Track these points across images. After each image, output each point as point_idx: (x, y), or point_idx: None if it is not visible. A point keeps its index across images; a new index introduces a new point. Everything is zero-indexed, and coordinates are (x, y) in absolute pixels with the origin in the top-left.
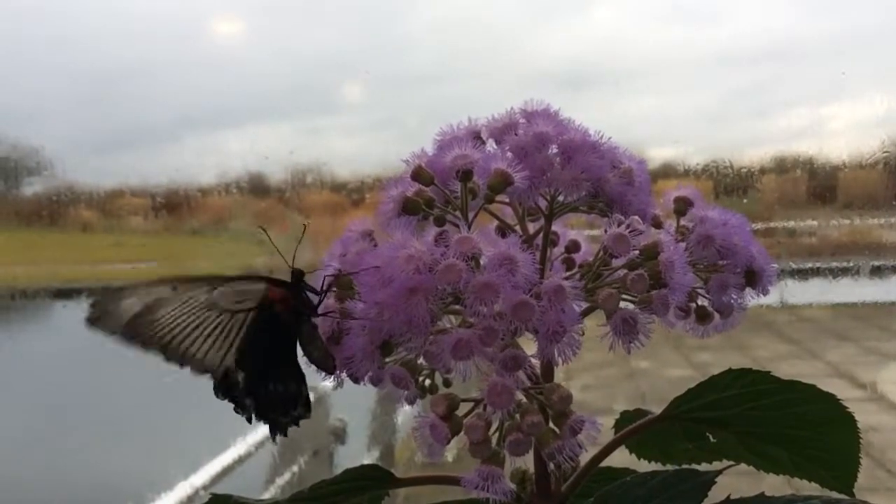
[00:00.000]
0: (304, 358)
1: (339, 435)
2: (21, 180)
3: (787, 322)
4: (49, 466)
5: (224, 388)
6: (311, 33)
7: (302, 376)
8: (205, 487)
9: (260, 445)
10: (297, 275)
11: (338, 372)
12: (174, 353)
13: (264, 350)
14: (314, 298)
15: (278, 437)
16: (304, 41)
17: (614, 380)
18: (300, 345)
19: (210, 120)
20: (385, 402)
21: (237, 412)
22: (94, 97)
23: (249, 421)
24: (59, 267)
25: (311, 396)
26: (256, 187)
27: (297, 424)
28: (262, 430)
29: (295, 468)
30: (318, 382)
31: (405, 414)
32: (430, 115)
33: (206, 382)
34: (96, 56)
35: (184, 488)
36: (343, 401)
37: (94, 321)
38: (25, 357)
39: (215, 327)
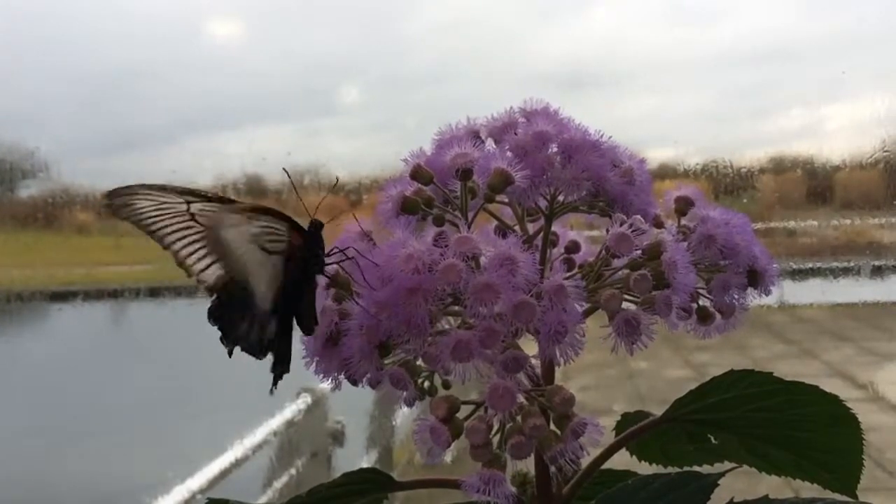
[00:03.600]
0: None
1: (338, 437)
2: (16, 183)
3: (786, 322)
4: (45, 469)
5: (214, 312)
6: (310, 35)
7: (291, 330)
8: (202, 491)
9: (258, 448)
10: (316, 225)
11: (335, 373)
12: (166, 246)
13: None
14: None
15: (276, 441)
16: (303, 43)
17: (613, 380)
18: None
19: (208, 122)
20: (383, 404)
21: (222, 342)
22: (91, 99)
23: (230, 354)
24: (55, 269)
25: (309, 399)
26: (254, 189)
27: (280, 378)
28: (261, 432)
29: (293, 471)
30: (317, 384)
31: (403, 416)
32: (428, 116)
33: (202, 386)
34: (93, 58)
35: (181, 492)
36: (341, 403)
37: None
38: (21, 360)
39: (200, 239)
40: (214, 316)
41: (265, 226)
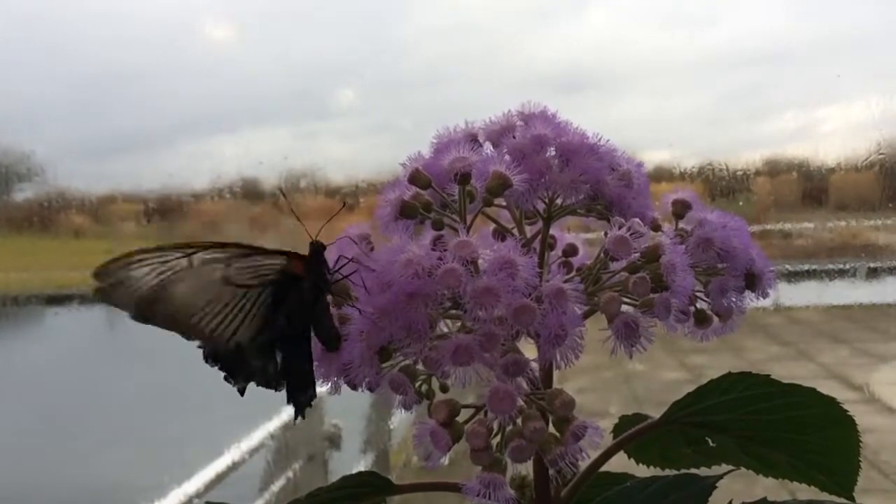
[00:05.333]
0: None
1: (334, 440)
2: (12, 186)
3: (781, 324)
4: (41, 473)
5: (219, 357)
6: (306, 38)
7: (311, 356)
8: (198, 495)
9: (254, 452)
10: (317, 247)
11: (335, 377)
12: (183, 327)
13: (293, 325)
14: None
15: (272, 444)
16: (299, 46)
17: (609, 382)
18: (311, 321)
19: (204, 125)
20: (380, 407)
21: (228, 381)
22: (87, 102)
23: (241, 393)
24: (51, 273)
25: None
26: (250, 192)
27: (310, 405)
28: (258, 435)
29: (290, 474)
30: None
31: (400, 419)
32: (424, 119)
33: (199, 390)
34: (89, 60)
35: (177, 496)
36: (338, 406)
37: (104, 293)
38: (17, 364)
39: (228, 302)
40: (214, 357)
41: (241, 266)
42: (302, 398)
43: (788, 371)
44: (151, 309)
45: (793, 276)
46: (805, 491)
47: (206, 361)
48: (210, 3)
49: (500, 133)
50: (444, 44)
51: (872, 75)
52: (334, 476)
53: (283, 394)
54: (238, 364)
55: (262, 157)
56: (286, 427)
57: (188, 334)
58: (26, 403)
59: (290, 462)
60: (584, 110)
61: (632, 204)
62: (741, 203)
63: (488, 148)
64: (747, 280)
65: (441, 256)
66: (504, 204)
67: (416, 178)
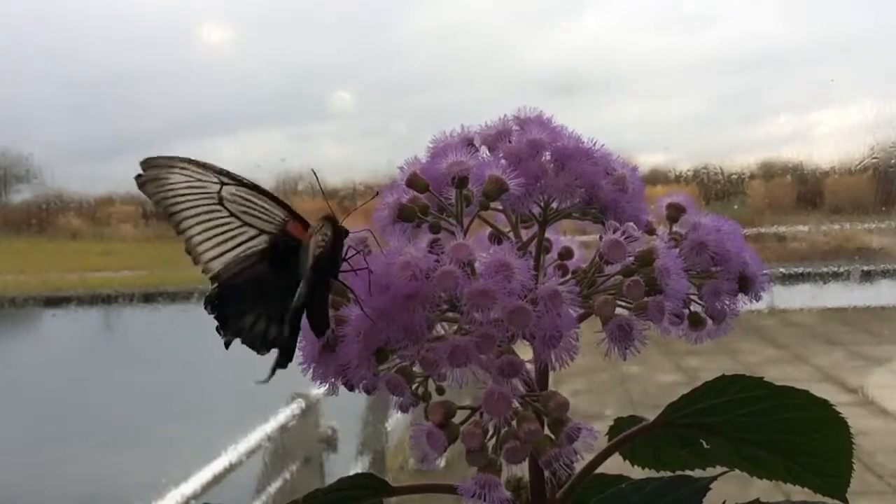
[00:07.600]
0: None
1: (331, 442)
2: (10, 188)
3: (776, 327)
4: (38, 475)
5: (213, 301)
6: (303, 41)
7: (298, 329)
8: (195, 496)
9: (251, 453)
10: (342, 232)
11: (332, 378)
12: (180, 231)
13: (286, 292)
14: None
15: (269, 446)
16: (296, 49)
17: (605, 385)
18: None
19: (201, 127)
20: (376, 409)
21: (219, 332)
22: (84, 104)
23: (227, 346)
24: (48, 275)
25: (302, 404)
26: None
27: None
28: (254, 437)
29: (286, 476)
30: (310, 389)
31: (396, 421)
32: (421, 122)
33: (196, 392)
34: (87, 63)
35: (174, 497)
36: (334, 408)
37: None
38: (14, 366)
39: (220, 225)
40: (213, 304)
41: (234, 193)
42: (281, 363)
43: (783, 373)
44: (149, 184)
45: (787, 279)
46: (799, 493)
47: (205, 307)
48: (207, 6)
49: (496, 137)
50: (440, 47)
51: (866, 79)
52: (331, 478)
53: (279, 395)
54: (231, 315)
55: (259, 160)
56: (283, 429)
57: (185, 243)
58: (23, 404)
59: (287, 464)
60: (580, 113)
61: (626, 208)
62: (736, 206)
63: (484, 152)
64: (741, 283)
65: (438, 259)
66: (500, 207)
67: (414, 181)
